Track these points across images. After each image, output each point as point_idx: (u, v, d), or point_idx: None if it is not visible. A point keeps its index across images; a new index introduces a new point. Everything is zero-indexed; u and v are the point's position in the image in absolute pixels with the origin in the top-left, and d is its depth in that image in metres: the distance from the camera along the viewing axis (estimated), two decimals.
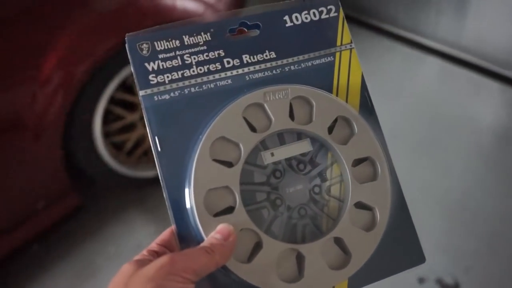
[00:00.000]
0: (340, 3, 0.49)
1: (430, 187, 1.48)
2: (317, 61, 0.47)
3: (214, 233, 0.37)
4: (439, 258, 1.28)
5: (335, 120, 0.45)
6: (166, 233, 0.39)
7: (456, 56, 1.98)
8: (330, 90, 0.46)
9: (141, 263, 0.35)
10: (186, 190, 0.39)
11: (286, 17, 0.47)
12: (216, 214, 0.39)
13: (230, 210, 0.40)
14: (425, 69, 2.01)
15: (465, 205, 1.43)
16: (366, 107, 0.46)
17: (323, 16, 0.48)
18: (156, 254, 0.37)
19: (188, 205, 0.39)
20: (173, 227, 0.39)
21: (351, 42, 0.48)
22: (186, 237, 0.39)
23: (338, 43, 0.48)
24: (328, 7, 0.49)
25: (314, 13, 0.48)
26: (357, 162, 0.45)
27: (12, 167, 1.16)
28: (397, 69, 1.99)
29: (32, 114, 1.12)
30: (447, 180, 1.50)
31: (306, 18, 0.48)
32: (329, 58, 0.47)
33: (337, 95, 0.46)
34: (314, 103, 0.44)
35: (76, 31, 1.15)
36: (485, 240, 1.34)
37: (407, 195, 0.45)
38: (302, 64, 0.46)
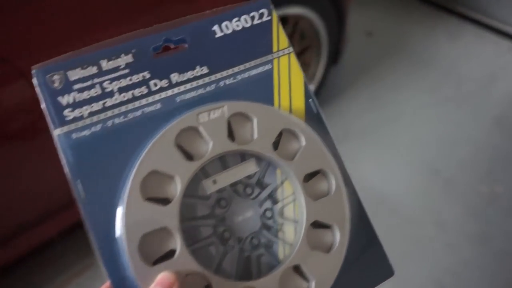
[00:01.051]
0: (272, 6, 0.45)
1: None
2: (254, 71, 0.43)
3: (154, 286, 0.33)
4: None
5: (280, 134, 0.41)
6: None
7: None
8: (271, 102, 0.42)
9: None
10: (118, 239, 0.35)
11: (216, 27, 0.43)
12: (156, 262, 0.35)
13: (172, 254, 0.35)
14: None
15: None
16: (313, 115, 0.43)
17: (256, 22, 0.44)
18: None
19: (122, 256, 0.34)
20: (108, 283, 0.34)
21: (289, 46, 0.44)
22: None
23: (275, 49, 0.44)
24: (260, 11, 0.45)
25: (245, 20, 0.44)
26: (309, 176, 0.41)
27: None
28: (488, 56, 1.95)
29: None
30: None
31: (238, 25, 0.44)
32: (266, 66, 0.43)
33: (279, 106, 0.42)
34: (254, 119, 0.40)
35: None
36: None
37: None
38: (238, 77, 0.42)
